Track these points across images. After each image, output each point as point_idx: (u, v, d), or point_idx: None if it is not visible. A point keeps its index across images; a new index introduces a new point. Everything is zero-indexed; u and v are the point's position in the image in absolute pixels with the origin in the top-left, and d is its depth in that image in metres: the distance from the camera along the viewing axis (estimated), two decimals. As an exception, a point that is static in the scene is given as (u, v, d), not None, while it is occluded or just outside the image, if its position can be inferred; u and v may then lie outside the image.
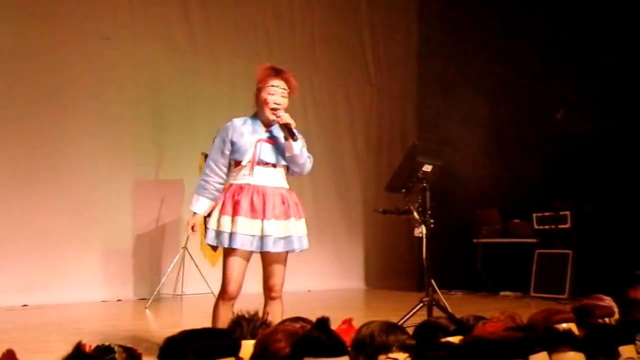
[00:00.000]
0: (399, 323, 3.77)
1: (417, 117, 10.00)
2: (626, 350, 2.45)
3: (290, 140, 3.47)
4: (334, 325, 2.07)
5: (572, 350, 2.28)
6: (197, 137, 7.62)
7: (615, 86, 7.39)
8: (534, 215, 7.81)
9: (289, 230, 3.48)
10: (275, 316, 3.43)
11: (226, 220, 3.41)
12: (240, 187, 3.46)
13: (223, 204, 3.46)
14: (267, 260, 3.55)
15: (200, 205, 3.59)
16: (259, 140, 3.51)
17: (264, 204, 3.42)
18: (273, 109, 3.52)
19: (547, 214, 7.69)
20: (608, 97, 7.40)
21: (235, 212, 3.40)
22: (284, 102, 3.55)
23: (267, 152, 3.50)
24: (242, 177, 3.49)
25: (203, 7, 8.39)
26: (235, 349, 1.98)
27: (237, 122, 3.65)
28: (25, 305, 6.56)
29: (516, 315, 2.55)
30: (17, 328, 5.27)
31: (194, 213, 3.61)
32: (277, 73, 3.58)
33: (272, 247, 3.43)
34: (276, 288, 3.59)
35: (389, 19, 10.02)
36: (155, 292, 7.07)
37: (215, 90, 8.33)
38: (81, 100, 7.32)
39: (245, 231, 3.39)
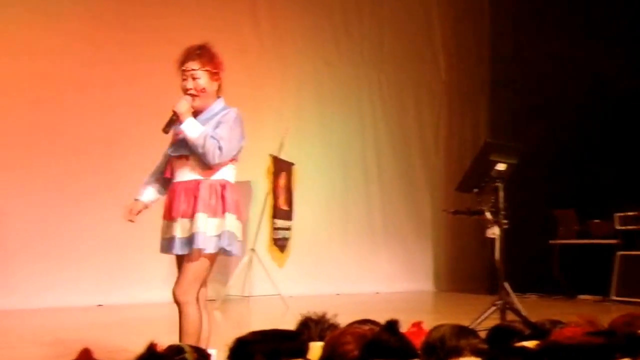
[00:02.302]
0: (471, 327, 3.67)
1: (489, 114, 9.76)
2: None
3: (181, 127, 3.13)
4: (403, 328, 2.02)
5: (658, 358, 2.15)
6: (264, 140, 7.67)
7: None
8: (616, 215, 7.48)
9: (193, 229, 3.12)
10: (181, 326, 3.21)
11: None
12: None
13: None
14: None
15: (146, 194, 3.46)
16: (178, 132, 3.23)
17: (171, 201, 3.20)
18: (187, 95, 3.22)
19: (630, 213, 7.36)
20: None
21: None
22: (197, 84, 3.21)
23: (180, 144, 3.20)
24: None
25: (271, 8, 8.45)
26: (303, 351, 1.97)
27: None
28: (100, 305, 6.76)
29: (596, 319, 2.43)
30: (93, 327, 5.43)
31: None
32: (185, 55, 3.25)
33: (178, 249, 3.19)
34: (174, 291, 3.28)
35: (460, 15, 9.82)
36: (224, 294, 7.17)
37: (283, 91, 8.38)
38: (155, 103, 7.46)
39: (162, 234, 3.31)
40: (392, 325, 1.95)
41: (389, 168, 9.14)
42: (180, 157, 3.18)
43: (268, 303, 7.18)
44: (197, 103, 3.22)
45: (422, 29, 9.66)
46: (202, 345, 2.94)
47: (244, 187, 7.89)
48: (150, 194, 3.36)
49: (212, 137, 3.11)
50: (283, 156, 7.34)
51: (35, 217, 6.64)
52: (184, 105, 3.15)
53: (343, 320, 2.31)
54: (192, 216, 3.10)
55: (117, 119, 7.17)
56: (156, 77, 7.38)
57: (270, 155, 7.09)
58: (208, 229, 3.10)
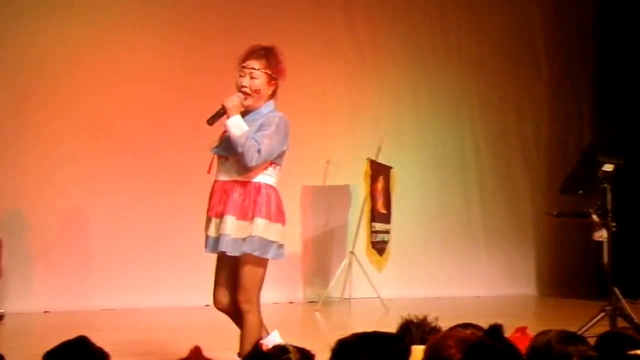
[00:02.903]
0: (578, 333, 3.54)
1: (592, 114, 9.33)
2: None
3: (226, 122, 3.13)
4: (506, 333, 1.99)
5: None
6: (362, 144, 7.73)
7: None
8: None
9: (249, 231, 3.11)
10: (243, 333, 3.19)
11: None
12: (214, 184, 3.30)
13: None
14: (234, 269, 3.23)
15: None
16: (224, 131, 3.23)
17: (223, 200, 3.17)
18: (241, 92, 3.22)
19: None
20: None
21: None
22: (254, 83, 3.21)
23: (226, 144, 3.19)
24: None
25: (367, 15, 8.49)
26: (405, 354, 1.97)
27: None
28: (207, 305, 7.01)
29: None
30: (201, 326, 5.64)
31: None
32: (249, 52, 3.27)
33: (226, 246, 3.12)
34: (238, 300, 3.22)
35: (561, 15, 9.45)
36: (325, 296, 7.26)
37: (380, 97, 8.38)
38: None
39: (207, 231, 3.25)
40: (496, 329, 1.92)
41: (489, 171, 8.93)
42: (221, 156, 3.21)
43: (368, 305, 7.21)
44: (248, 102, 3.21)
45: (522, 30, 9.36)
46: None
47: (342, 190, 7.98)
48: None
49: (253, 138, 3.09)
50: (381, 160, 7.36)
51: (143, 220, 6.92)
52: (234, 101, 3.15)
53: (444, 324, 2.30)
54: (222, 217, 3.11)
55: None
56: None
57: (368, 158, 7.12)
58: (234, 232, 3.07)
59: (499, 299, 8.16)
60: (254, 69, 3.20)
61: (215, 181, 3.21)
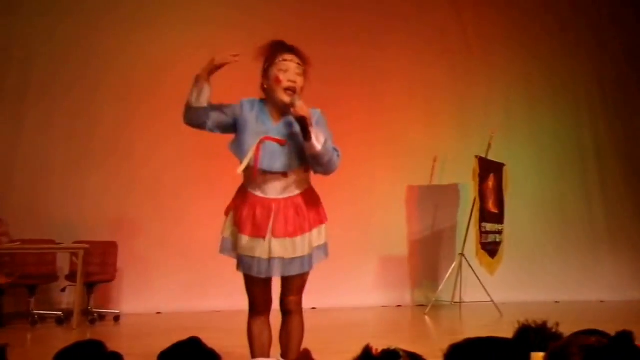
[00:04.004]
0: None
1: None
2: None
3: (311, 136, 2.80)
4: (637, 341, 1.82)
5: None
6: (471, 141, 7.50)
7: None
8: None
9: (304, 249, 2.95)
10: (291, 332, 3.09)
11: (233, 232, 3.02)
12: (246, 196, 2.98)
13: (233, 210, 3.03)
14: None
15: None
16: (262, 140, 2.87)
17: (269, 220, 2.90)
18: (288, 89, 2.89)
19: None
20: None
21: (239, 227, 2.96)
22: (300, 81, 2.91)
23: (273, 157, 2.86)
24: (249, 184, 2.98)
25: (475, 5, 8.25)
26: (524, 361, 1.85)
27: (246, 103, 2.99)
28: (313, 308, 7.06)
29: None
30: (309, 329, 5.65)
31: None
32: (284, 45, 2.94)
33: (282, 271, 2.93)
34: (288, 303, 3.08)
35: None
36: (434, 299, 7.10)
37: (490, 90, 8.12)
38: (355, 110, 7.68)
39: (246, 252, 2.94)
40: (625, 336, 1.76)
41: (611, 168, 8.39)
42: (273, 172, 2.89)
43: (480, 310, 6.98)
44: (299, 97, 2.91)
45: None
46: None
47: (450, 190, 7.78)
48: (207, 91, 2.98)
49: (329, 144, 2.90)
50: (491, 157, 7.09)
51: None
52: (306, 108, 2.80)
53: (565, 330, 2.16)
54: (297, 235, 2.93)
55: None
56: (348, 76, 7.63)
57: (476, 156, 6.89)
58: (292, 253, 2.94)
59: (625, 304, 7.60)
60: (299, 64, 2.94)
61: (268, 200, 2.93)
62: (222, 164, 6.87)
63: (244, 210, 2.95)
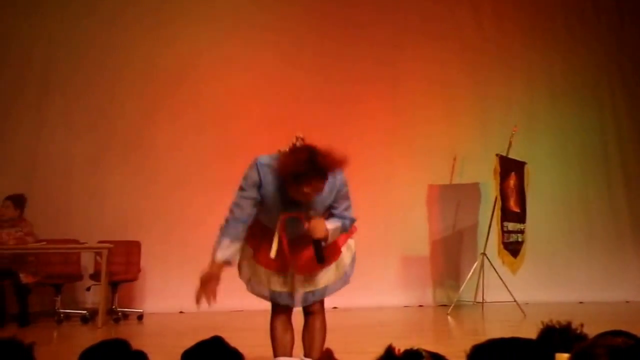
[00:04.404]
0: None
1: None
2: None
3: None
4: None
5: None
6: (491, 140, 7.44)
7: None
8: None
9: (328, 279, 3.13)
10: (314, 332, 3.15)
11: (253, 263, 3.12)
12: (265, 230, 3.02)
13: (248, 240, 3.08)
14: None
15: (227, 249, 2.93)
16: (283, 219, 2.93)
17: (290, 257, 2.99)
18: (304, 198, 2.84)
19: None
20: None
21: (257, 258, 3.08)
22: (317, 192, 2.83)
23: (296, 226, 2.94)
24: (268, 222, 3.02)
25: (494, 7, 8.18)
26: (548, 362, 1.83)
27: (263, 169, 2.90)
28: (335, 307, 7.05)
29: None
30: (331, 329, 5.65)
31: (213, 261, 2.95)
32: (322, 176, 2.78)
33: (309, 301, 3.12)
34: (312, 304, 3.17)
35: None
36: (456, 299, 7.06)
37: (509, 87, 8.05)
38: (375, 109, 7.65)
39: (269, 286, 3.12)
40: (653, 338, 1.73)
41: (636, 166, 8.25)
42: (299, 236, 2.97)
43: (503, 310, 6.92)
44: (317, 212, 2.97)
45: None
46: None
47: (471, 189, 7.73)
48: (234, 250, 2.98)
49: (342, 218, 3.00)
50: (512, 156, 7.03)
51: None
52: (322, 229, 2.87)
53: (590, 331, 2.13)
54: (317, 270, 3.08)
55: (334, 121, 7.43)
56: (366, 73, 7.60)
57: (497, 154, 6.83)
58: (341, 268, 3.16)
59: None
60: (320, 184, 2.81)
61: (283, 237, 2.97)
62: (243, 164, 6.96)
63: (263, 244, 3.03)
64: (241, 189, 2.93)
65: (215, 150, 7.18)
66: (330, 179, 2.85)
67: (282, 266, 3.04)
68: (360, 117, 7.57)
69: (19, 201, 6.42)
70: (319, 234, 2.84)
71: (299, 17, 7.32)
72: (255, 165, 2.91)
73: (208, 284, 2.91)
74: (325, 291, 3.14)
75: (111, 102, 7.28)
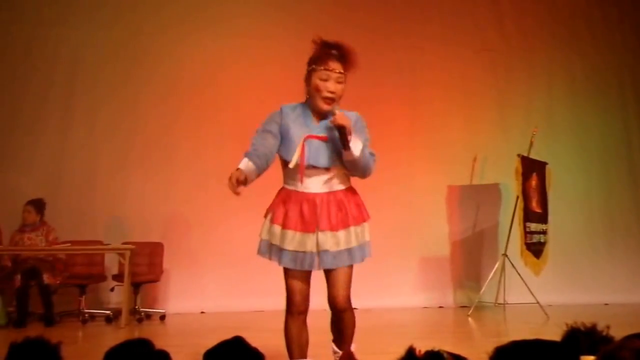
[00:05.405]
0: None
1: None
2: None
3: (350, 145, 2.90)
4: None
5: None
6: (512, 140, 7.39)
7: None
8: None
9: (349, 242, 3.02)
10: (344, 329, 3.13)
11: (277, 230, 3.04)
12: (289, 194, 3.06)
13: (274, 211, 3.08)
14: (327, 271, 3.08)
15: (245, 164, 3.00)
16: (307, 137, 2.97)
17: (316, 214, 2.98)
18: (326, 99, 2.97)
19: None
20: None
21: (284, 224, 3.01)
22: (339, 89, 2.98)
23: (318, 153, 2.97)
24: (292, 182, 3.06)
25: (515, 3, 8.12)
26: (573, 364, 1.81)
27: (286, 109, 3.09)
28: (355, 308, 7.05)
29: None
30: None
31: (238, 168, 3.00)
32: (336, 53, 2.97)
33: (330, 263, 2.99)
34: (339, 299, 3.09)
35: None
36: (477, 300, 7.01)
37: (531, 87, 7.96)
38: (393, 108, 7.62)
39: (295, 247, 2.99)
40: (680, 340, 1.71)
41: None
42: (318, 167, 2.99)
43: (525, 311, 6.85)
44: (338, 107, 3.00)
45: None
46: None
47: (492, 189, 7.68)
48: (249, 165, 3.01)
49: (366, 149, 3.00)
50: (533, 156, 6.96)
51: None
52: (346, 119, 2.90)
53: (616, 333, 2.11)
54: (339, 229, 3.00)
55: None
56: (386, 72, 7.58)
57: (518, 155, 6.77)
58: (338, 246, 3.00)
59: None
60: (341, 73, 2.98)
61: (311, 194, 3.02)
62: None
63: (289, 207, 3.02)
64: (261, 126, 3.11)
65: (235, 153, 7.19)
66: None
67: (308, 225, 2.98)
68: (378, 116, 7.53)
69: (39, 206, 6.51)
70: (341, 120, 2.87)
71: (317, 22, 7.29)
72: (280, 108, 3.10)
73: (231, 178, 2.95)
74: (345, 256, 3.02)
75: (134, 107, 7.36)
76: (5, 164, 7.08)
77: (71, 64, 7.32)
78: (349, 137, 2.90)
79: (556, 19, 8.14)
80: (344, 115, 2.91)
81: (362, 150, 2.95)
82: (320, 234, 2.97)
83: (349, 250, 3.02)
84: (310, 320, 3.17)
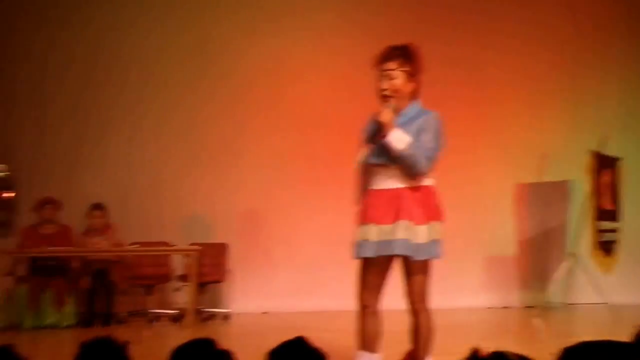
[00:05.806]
0: None
1: None
2: None
3: (386, 139, 3.05)
4: None
5: None
6: (581, 136, 7.14)
7: None
8: None
9: (424, 236, 3.07)
10: (417, 332, 3.14)
11: (362, 233, 3.16)
12: (368, 194, 3.22)
13: (358, 213, 3.25)
14: (402, 269, 3.16)
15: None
16: (377, 137, 3.15)
17: (379, 208, 3.09)
18: (381, 97, 3.15)
19: None
20: None
21: (368, 220, 3.15)
22: (392, 84, 3.12)
23: (378, 152, 3.14)
24: (367, 184, 3.25)
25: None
26: (645, 366, 1.74)
27: (370, 118, 3.31)
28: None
29: None
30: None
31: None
32: (384, 55, 3.16)
33: (404, 250, 3.03)
34: (411, 299, 3.15)
35: None
36: (544, 300, 6.83)
37: (602, 87, 7.68)
38: (459, 101, 7.48)
39: (363, 236, 3.11)
40: None
41: None
42: (380, 165, 3.14)
43: (594, 312, 6.64)
44: (393, 105, 3.14)
45: None
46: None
47: (560, 187, 7.47)
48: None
49: (418, 147, 3.05)
50: (605, 152, 6.73)
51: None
52: (388, 115, 3.09)
53: (693, 335, 2.01)
54: (393, 222, 3.06)
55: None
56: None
57: (591, 151, 6.55)
58: (412, 236, 3.04)
59: None
60: (392, 69, 3.13)
61: (375, 190, 3.17)
62: (327, 164, 7.02)
63: (369, 204, 3.15)
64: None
65: (298, 155, 7.28)
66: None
67: (385, 217, 3.07)
68: (444, 113, 7.42)
69: (103, 209, 6.71)
70: (382, 117, 3.07)
71: (380, 21, 7.27)
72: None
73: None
74: (429, 249, 3.08)
75: (203, 112, 7.51)
76: (79, 169, 7.32)
77: (142, 70, 7.51)
78: (388, 132, 3.04)
79: (631, 12, 7.82)
80: (388, 113, 3.08)
81: (406, 149, 3.03)
82: (399, 223, 3.04)
83: (427, 245, 3.08)
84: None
